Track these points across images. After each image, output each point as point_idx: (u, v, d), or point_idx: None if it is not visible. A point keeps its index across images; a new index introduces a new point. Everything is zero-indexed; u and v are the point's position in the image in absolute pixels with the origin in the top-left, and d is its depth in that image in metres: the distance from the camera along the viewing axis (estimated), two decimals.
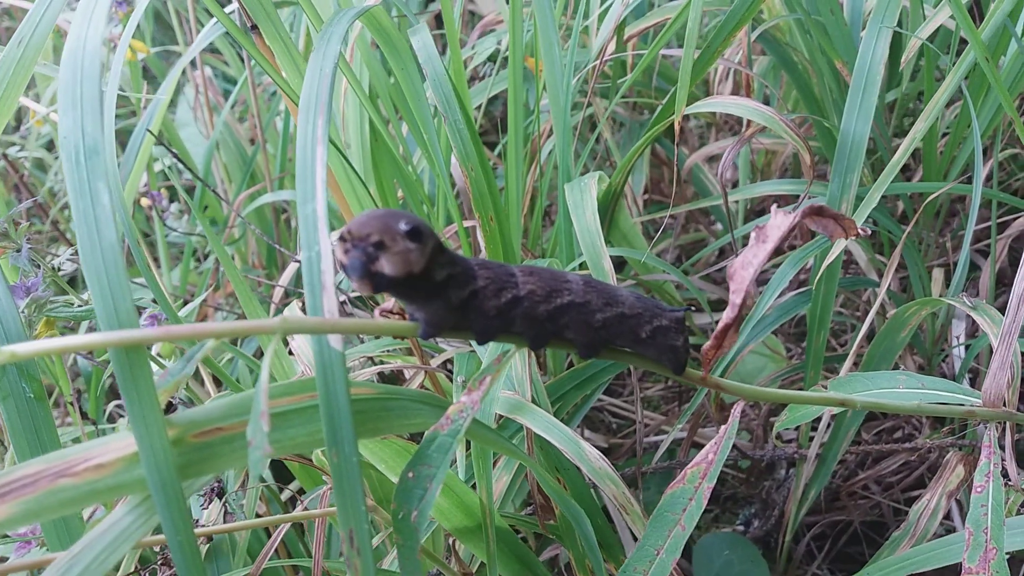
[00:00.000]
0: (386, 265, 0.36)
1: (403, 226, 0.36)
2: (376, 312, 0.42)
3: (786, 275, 0.87)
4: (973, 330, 1.17)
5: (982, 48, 0.84)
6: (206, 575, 0.36)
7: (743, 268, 0.41)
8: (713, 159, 1.56)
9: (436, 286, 0.38)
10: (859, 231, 0.46)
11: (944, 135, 1.21)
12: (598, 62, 1.01)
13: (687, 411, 0.90)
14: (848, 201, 0.92)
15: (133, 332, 0.35)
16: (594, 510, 0.65)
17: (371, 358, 0.96)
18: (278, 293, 1.20)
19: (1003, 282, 1.29)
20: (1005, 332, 0.59)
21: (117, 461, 0.36)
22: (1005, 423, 0.61)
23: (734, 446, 1.07)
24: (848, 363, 0.92)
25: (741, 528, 1.17)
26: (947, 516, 1.06)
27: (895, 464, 1.16)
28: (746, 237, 1.15)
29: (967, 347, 1.10)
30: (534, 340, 0.42)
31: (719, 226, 1.53)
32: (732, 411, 0.48)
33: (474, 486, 0.62)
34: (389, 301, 0.42)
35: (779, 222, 0.42)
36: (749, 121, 1.17)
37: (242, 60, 1.61)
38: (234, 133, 1.61)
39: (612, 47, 1.12)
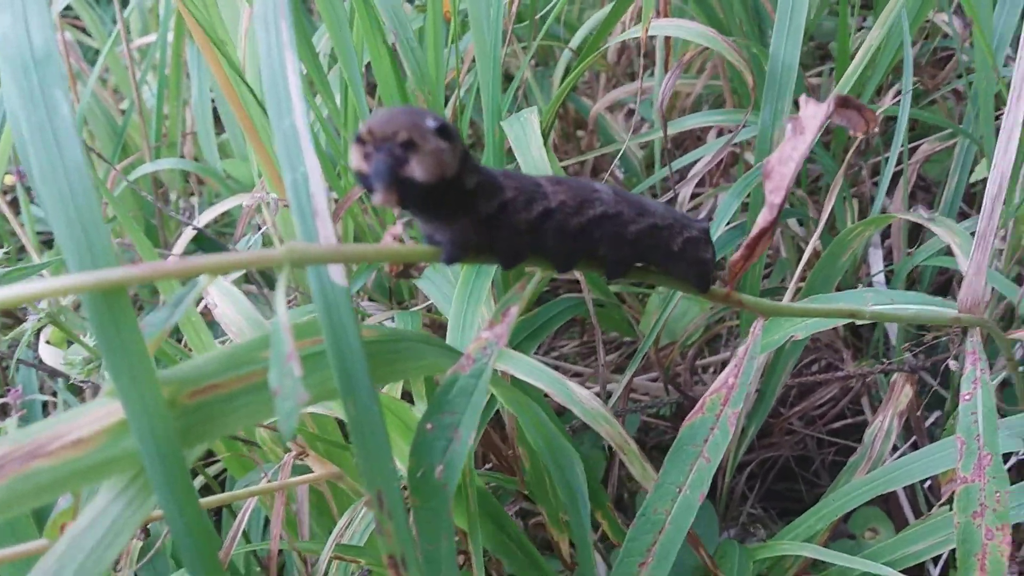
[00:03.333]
0: (417, 168, 0.30)
1: (431, 122, 0.30)
2: (386, 237, 0.36)
3: (731, 206, 0.85)
4: (888, 255, 1.20)
5: None
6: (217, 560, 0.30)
7: (782, 164, 0.38)
8: (614, 108, 1.54)
9: (465, 197, 0.33)
10: (875, 125, 0.43)
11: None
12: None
13: (635, 359, 0.87)
14: (781, 129, 0.91)
15: (114, 271, 0.28)
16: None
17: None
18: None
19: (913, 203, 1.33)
20: (980, 235, 0.59)
21: (100, 434, 0.29)
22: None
23: (673, 388, 1.05)
24: (788, 295, 0.91)
25: None
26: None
27: (821, 399, 1.18)
28: (666, 179, 1.13)
29: (888, 273, 1.12)
30: (565, 260, 0.37)
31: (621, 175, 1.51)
32: (752, 329, 0.45)
33: None
34: (396, 226, 0.36)
35: (812, 111, 0.38)
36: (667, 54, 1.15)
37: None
38: (101, 102, 1.47)
39: None
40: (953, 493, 0.81)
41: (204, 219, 1.19)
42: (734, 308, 0.43)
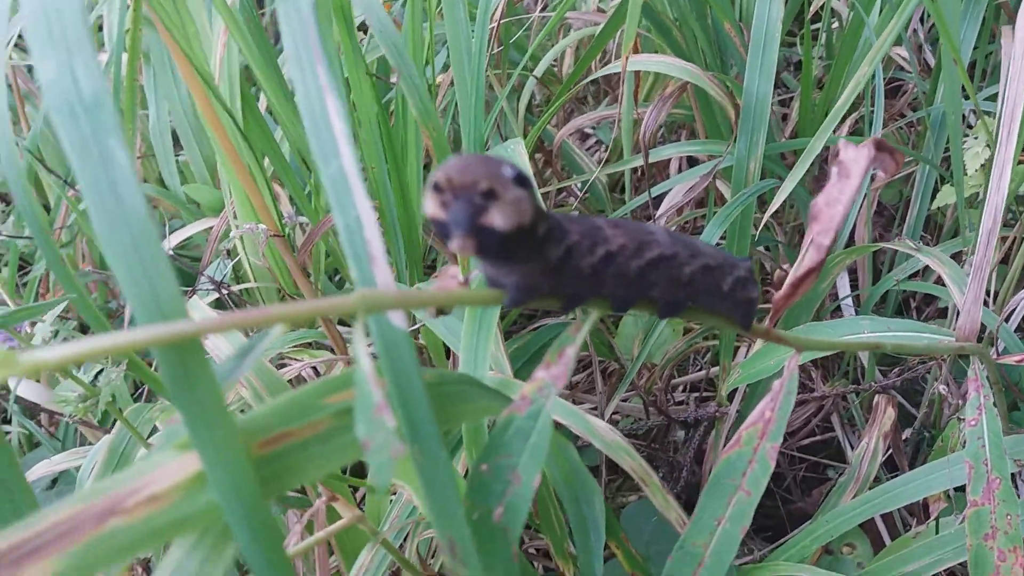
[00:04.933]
0: (497, 217, 0.30)
1: (509, 171, 0.30)
2: (448, 280, 0.35)
3: (714, 235, 0.87)
4: (853, 281, 1.23)
5: None
6: None
7: (830, 206, 0.38)
8: (583, 136, 1.56)
9: (536, 242, 0.32)
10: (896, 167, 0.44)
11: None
12: (496, 22, 0.96)
13: (623, 384, 0.88)
14: (756, 159, 0.93)
15: (189, 323, 0.27)
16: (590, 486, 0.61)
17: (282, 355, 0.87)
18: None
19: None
20: (977, 267, 0.60)
21: (175, 489, 0.28)
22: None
23: (655, 409, 1.06)
24: (768, 321, 0.93)
25: None
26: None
27: (796, 418, 1.20)
28: (642, 207, 1.14)
29: (856, 298, 1.15)
30: (622, 301, 0.37)
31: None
32: (788, 364, 0.46)
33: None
34: (453, 267, 0.36)
35: (853, 155, 0.39)
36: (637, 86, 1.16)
37: None
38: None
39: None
40: (933, 513, 0.83)
41: (171, 242, 1.17)
42: (774, 343, 0.44)
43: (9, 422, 1.19)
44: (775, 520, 1.24)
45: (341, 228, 0.35)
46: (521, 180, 0.30)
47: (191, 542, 0.28)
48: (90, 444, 0.93)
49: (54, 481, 1.14)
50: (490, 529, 0.37)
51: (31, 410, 1.02)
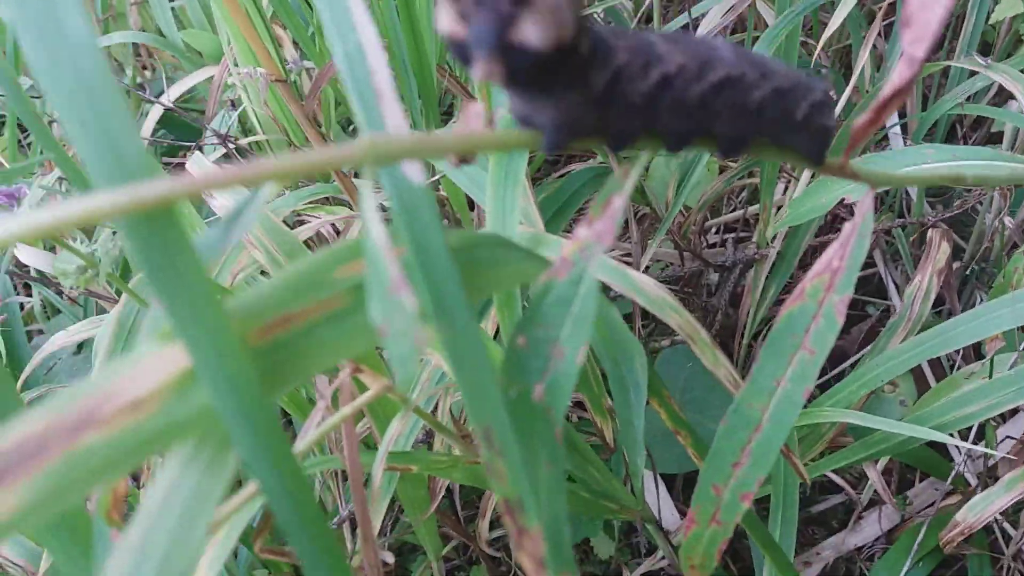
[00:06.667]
0: (531, 30, 0.23)
1: None
2: (471, 119, 0.29)
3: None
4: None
5: None
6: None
7: (924, 9, 0.31)
8: None
9: (580, 65, 0.26)
10: None
11: None
12: None
13: (660, 230, 0.82)
14: None
15: (158, 185, 0.21)
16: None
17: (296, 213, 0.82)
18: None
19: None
20: None
21: (161, 391, 0.23)
22: None
23: (691, 254, 1.01)
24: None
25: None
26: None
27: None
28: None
29: (902, 128, 1.06)
30: (679, 138, 0.31)
31: None
32: (861, 203, 0.39)
33: None
34: (476, 103, 0.30)
35: None
36: None
37: None
38: None
39: None
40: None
41: (172, 95, 1.09)
42: (847, 179, 0.37)
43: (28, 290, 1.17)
44: None
45: (340, 57, 0.29)
46: None
47: (188, 453, 0.24)
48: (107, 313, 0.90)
49: (80, 347, 1.13)
50: (530, 409, 0.32)
51: (46, 278, 0.98)
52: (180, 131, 1.25)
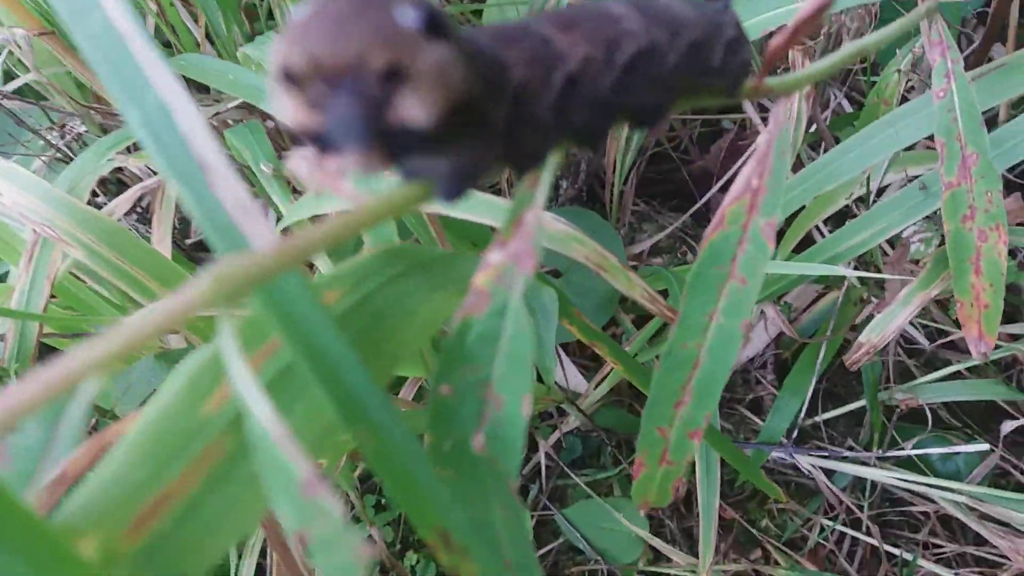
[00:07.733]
0: (413, 107, 0.17)
1: (410, 16, 0.16)
2: (303, 171, 0.22)
3: None
4: None
5: None
6: None
7: None
8: None
9: (479, 107, 0.20)
10: None
11: None
12: None
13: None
14: None
15: None
16: None
17: None
18: None
19: None
20: None
21: None
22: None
23: None
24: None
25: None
26: None
27: None
28: None
29: None
30: (596, 132, 0.25)
31: None
32: (773, 113, 0.35)
33: None
34: (331, 163, 0.22)
35: None
36: None
37: None
38: None
39: None
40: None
41: None
42: (757, 99, 0.33)
43: None
44: (676, 184, 1.21)
45: (135, 122, 0.22)
46: (434, 25, 0.17)
47: None
48: None
49: None
50: (469, 459, 0.28)
51: None
52: None
